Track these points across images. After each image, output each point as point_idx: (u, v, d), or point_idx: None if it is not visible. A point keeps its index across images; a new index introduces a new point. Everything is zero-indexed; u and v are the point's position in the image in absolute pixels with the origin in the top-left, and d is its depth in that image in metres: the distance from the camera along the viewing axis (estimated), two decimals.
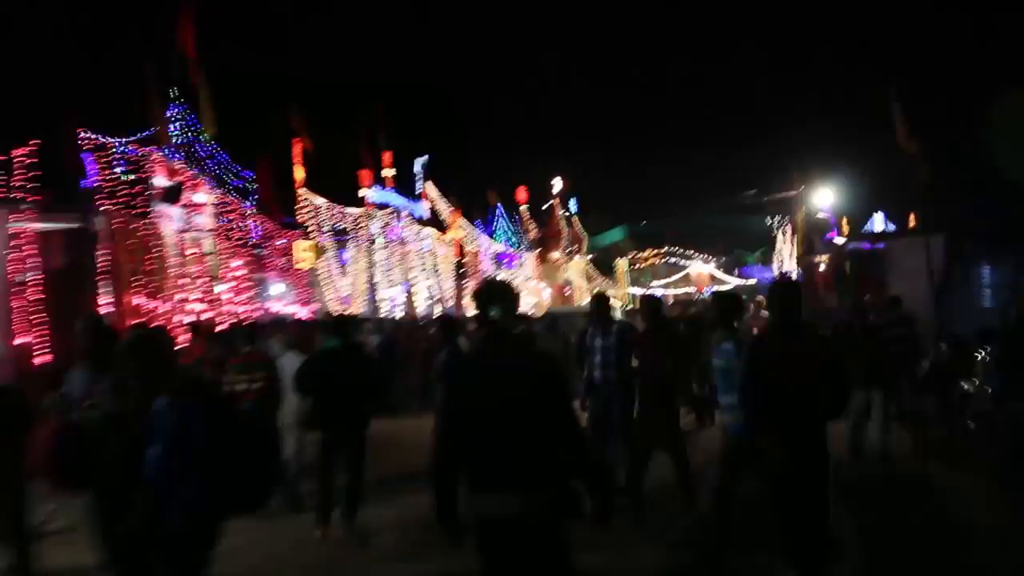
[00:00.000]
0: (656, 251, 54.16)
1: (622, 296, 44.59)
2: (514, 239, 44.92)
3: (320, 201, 24.51)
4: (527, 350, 4.84)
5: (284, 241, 22.65)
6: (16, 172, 13.45)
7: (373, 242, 27.21)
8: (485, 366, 4.55)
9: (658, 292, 44.00)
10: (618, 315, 24.55)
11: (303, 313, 21.31)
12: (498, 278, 4.67)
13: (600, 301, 10.42)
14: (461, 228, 35.21)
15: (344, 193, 26.84)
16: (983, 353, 11.66)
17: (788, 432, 6.16)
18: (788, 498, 6.24)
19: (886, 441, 10.88)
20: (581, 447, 4.59)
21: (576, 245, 48.67)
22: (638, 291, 46.14)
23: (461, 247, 35.21)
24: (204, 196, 18.41)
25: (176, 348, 10.77)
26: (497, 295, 4.61)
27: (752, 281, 46.43)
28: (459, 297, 32.54)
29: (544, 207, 48.05)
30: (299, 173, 23.55)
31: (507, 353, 4.54)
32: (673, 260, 53.74)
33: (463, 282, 33.61)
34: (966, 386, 11.64)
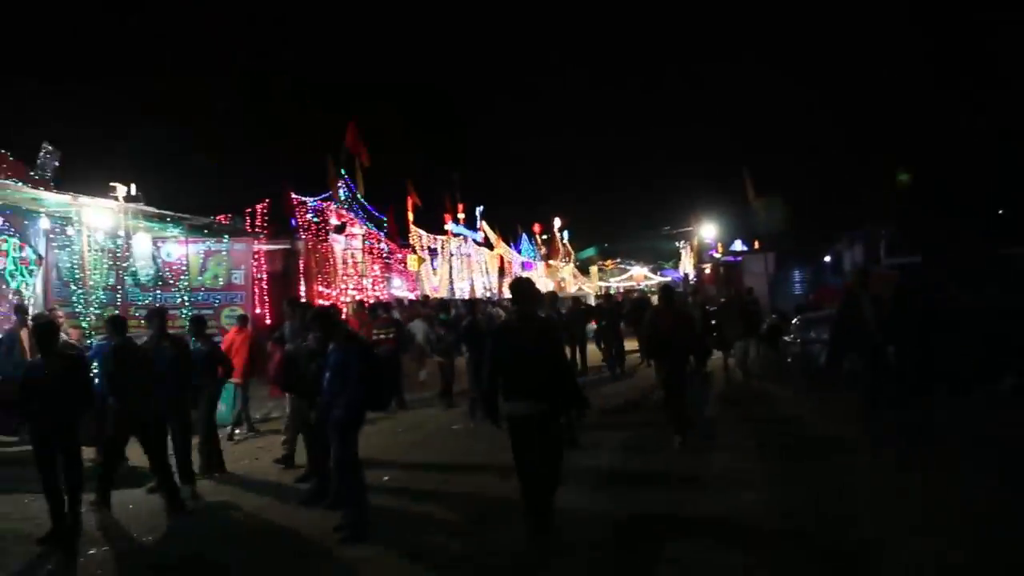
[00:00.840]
0: (614, 261, 53.49)
1: (594, 288, 44.19)
2: (532, 253, 44.61)
3: (423, 232, 24.54)
4: (538, 319, 4.74)
5: (401, 255, 22.67)
6: (257, 217, 13.82)
7: (452, 255, 27.22)
8: (516, 329, 4.40)
9: (613, 285, 43.97)
10: (592, 300, 24.52)
11: (411, 296, 21.35)
12: (523, 277, 4.76)
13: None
14: (502, 248, 35.08)
15: (432, 219, 25.54)
16: (796, 319, 11.58)
17: (668, 357, 6.63)
18: (671, 391, 6.63)
19: (749, 368, 10.90)
20: (568, 375, 4.48)
21: (567, 257, 48.09)
22: (603, 284, 45.99)
23: (502, 259, 35.05)
24: (357, 229, 18.49)
25: (341, 316, 10.91)
26: (523, 288, 4.54)
27: (668, 278, 45.89)
28: (500, 288, 32.46)
29: (556, 229, 47.34)
30: (410, 216, 23.54)
31: (528, 321, 4.38)
32: (623, 266, 53.13)
33: (503, 279, 33.51)
34: (786, 338, 11.58)
